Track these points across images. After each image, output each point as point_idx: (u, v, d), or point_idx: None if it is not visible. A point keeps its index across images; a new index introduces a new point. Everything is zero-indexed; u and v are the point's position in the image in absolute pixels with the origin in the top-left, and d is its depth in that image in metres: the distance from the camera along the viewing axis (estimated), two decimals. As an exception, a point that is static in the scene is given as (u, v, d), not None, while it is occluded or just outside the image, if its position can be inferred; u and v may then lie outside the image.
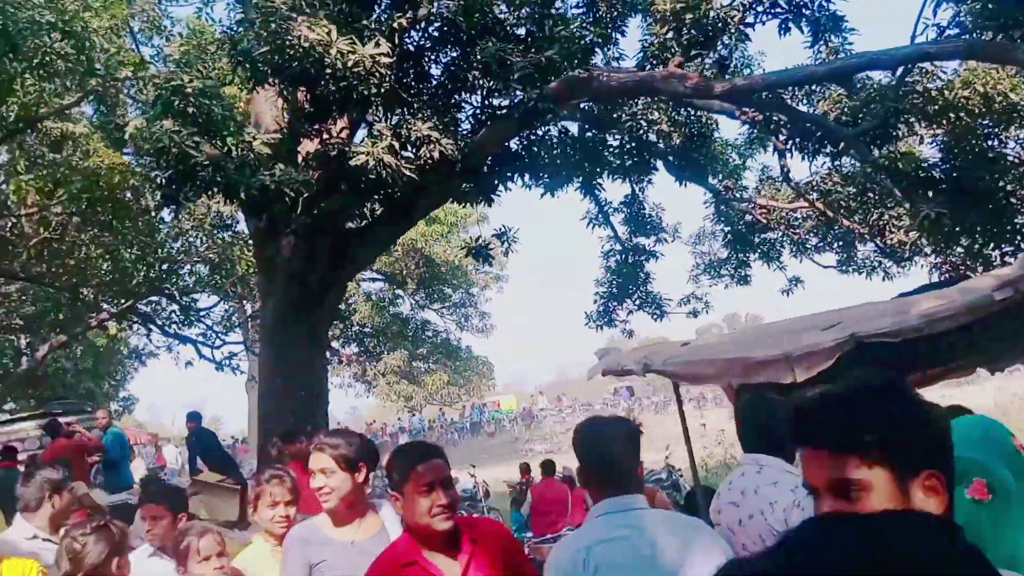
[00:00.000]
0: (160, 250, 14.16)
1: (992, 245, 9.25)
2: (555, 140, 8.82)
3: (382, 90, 7.25)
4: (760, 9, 7.57)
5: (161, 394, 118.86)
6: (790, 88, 9.15)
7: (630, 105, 8.57)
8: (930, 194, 8.18)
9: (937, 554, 0.76)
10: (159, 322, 16.70)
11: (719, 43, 8.22)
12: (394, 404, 33.75)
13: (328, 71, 7.12)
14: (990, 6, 6.62)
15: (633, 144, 8.65)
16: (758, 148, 12.46)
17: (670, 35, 7.60)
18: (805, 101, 9.55)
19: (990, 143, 9.51)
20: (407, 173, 7.51)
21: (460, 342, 31.43)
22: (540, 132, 8.87)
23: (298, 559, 2.95)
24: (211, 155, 7.28)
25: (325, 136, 8.49)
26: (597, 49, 8.32)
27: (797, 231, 13.18)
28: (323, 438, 3.05)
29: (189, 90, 6.86)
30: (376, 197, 9.24)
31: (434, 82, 8.25)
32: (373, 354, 29.77)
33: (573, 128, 9.52)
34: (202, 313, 17.05)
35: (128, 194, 11.62)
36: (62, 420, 11.22)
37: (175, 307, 16.16)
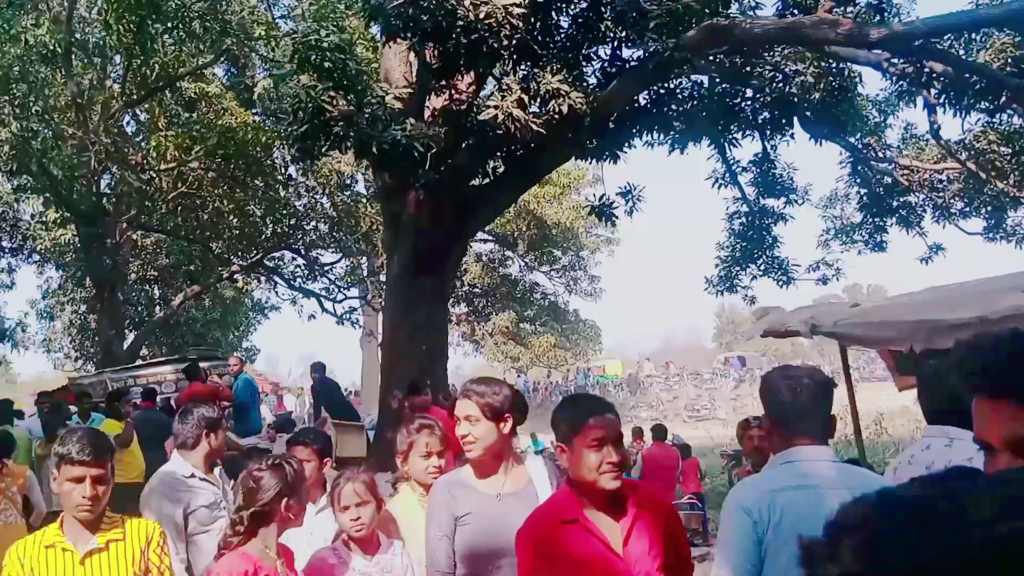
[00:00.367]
0: (287, 206, 14.64)
1: None
2: (687, 93, 8.45)
3: (513, 42, 7.10)
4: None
5: (278, 346, 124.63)
6: (946, 37, 8.42)
7: (771, 55, 8.08)
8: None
9: None
10: (286, 276, 17.34)
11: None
12: (500, 365, 34.05)
13: (460, 24, 7.04)
14: None
15: (771, 98, 8.16)
16: (902, 104, 11.63)
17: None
18: (963, 50, 8.76)
19: None
20: (535, 128, 7.38)
21: (568, 305, 31.38)
22: (670, 85, 8.53)
23: (443, 511, 2.86)
24: (344, 110, 7.36)
25: (452, 92, 8.46)
26: (736, -5, 7.89)
27: (941, 194, 12.28)
28: (471, 385, 2.95)
29: (325, 44, 6.92)
30: (500, 153, 9.18)
31: (563, 34, 8.02)
32: (482, 314, 30.15)
33: (704, 81, 9.11)
34: (325, 268, 17.59)
35: (259, 151, 11.99)
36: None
37: (300, 261, 16.72)
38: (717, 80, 9.00)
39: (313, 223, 16.48)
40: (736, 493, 2.41)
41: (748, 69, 8.86)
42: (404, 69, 8.92)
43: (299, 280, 17.23)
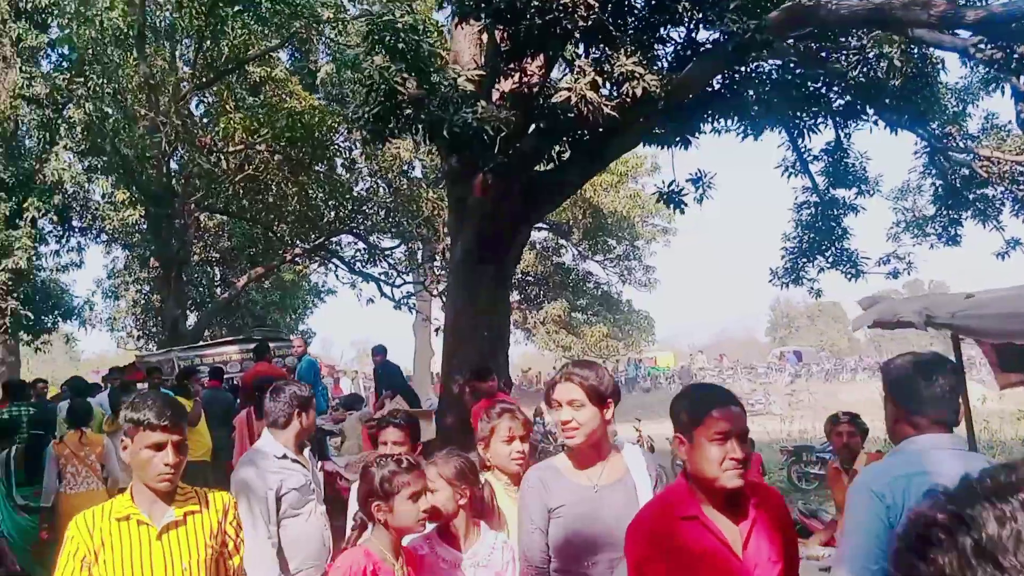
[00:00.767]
0: (349, 191, 14.76)
1: None
2: (764, 77, 8.21)
3: (589, 23, 6.97)
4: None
5: (331, 330, 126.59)
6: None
7: (852, 38, 7.79)
8: None
9: None
10: (346, 260, 17.52)
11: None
12: (552, 354, 33.92)
13: (535, 4, 6.94)
14: None
15: (852, 83, 7.87)
16: (983, 92, 11.17)
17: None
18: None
19: None
20: (608, 111, 7.25)
21: (621, 295, 31.12)
22: (746, 69, 8.30)
23: (536, 504, 2.74)
24: (415, 92, 7.33)
25: (522, 75, 8.36)
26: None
27: (1022, 187, 11.77)
28: (573, 368, 2.78)
29: (400, 25, 6.89)
30: (568, 138, 9.06)
31: (637, 14, 7.86)
32: (534, 302, 30.10)
33: (780, 65, 8.84)
34: (385, 252, 17.72)
35: (325, 135, 12.09)
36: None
37: (361, 246, 16.87)
38: (792, 64, 8.72)
39: (375, 208, 16.60)
40: (867, 478, 2.35)
41: (826, 53, 8.58)
42: (474, 52, 8.86)
43: (359, 264, 17.40)
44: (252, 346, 11.08)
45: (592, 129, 8.38)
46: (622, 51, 7.38)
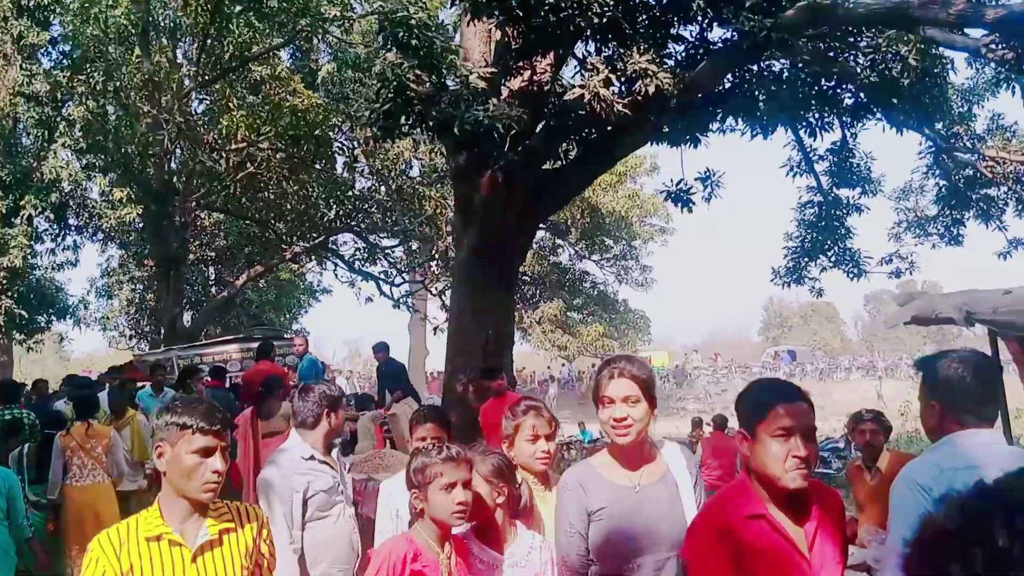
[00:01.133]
0: (349, 189, 14.67)
1: None
2: (775, 76, 8.20)
3: (603, 21, 6.93)
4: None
5: (323, 329, 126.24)
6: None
7: (865, 38, 7.78)
8: None
9: None
10: (346, 258, 17.43)
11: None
12: (547, 353, 33.88)
13: (548, 1, 6.89)
14: None
15: (864, 82, 7.86)
16: (989, 93, 11.20)
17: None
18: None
19: None
20: (620, 109, 7.20)
21: (617, 295, 31.11)
22: (757, 67, 8.28)
23: (575, 507, 2.63)
24: (426, 90, 7.28)
25: (532, 72, 8.31)
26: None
27: (1025, 188, 11.80)
28: (621, 364, 2.67)
29: (413, 21, 6.84)
30: (576, 137, 9.01)
31: (650, 12, 7.82)
32: (530, 302, 30.03)
33: (790, 64, 8.82)
34: (386, 251, 17.64)
35: (330, 133, 12.02)
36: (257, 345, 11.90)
37: (361, 244, 16.78)
38: (802, 64, 8.71)
39: (374, 206, 16.51)
40: (911, 472, 2.31)
41: (835, 53, 8.57)
42: (483, 49, 8.81)
43: (358, 263, 17.30)
44: (252, 345, 10.98)
45: (602, 127, 8.35)
46: (634, 49, 7.34)
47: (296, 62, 15.31)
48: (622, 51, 7.51)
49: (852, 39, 7.83)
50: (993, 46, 7.94)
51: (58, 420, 6.74)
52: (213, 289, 23.17)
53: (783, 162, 11.22)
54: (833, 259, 12.27)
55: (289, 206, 14.70)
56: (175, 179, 14.45)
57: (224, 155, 13.94)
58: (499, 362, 9.57)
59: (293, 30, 12.01)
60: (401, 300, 17.24)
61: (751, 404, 2.26)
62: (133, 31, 11.02)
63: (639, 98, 7.31)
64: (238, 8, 10.04)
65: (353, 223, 15.51)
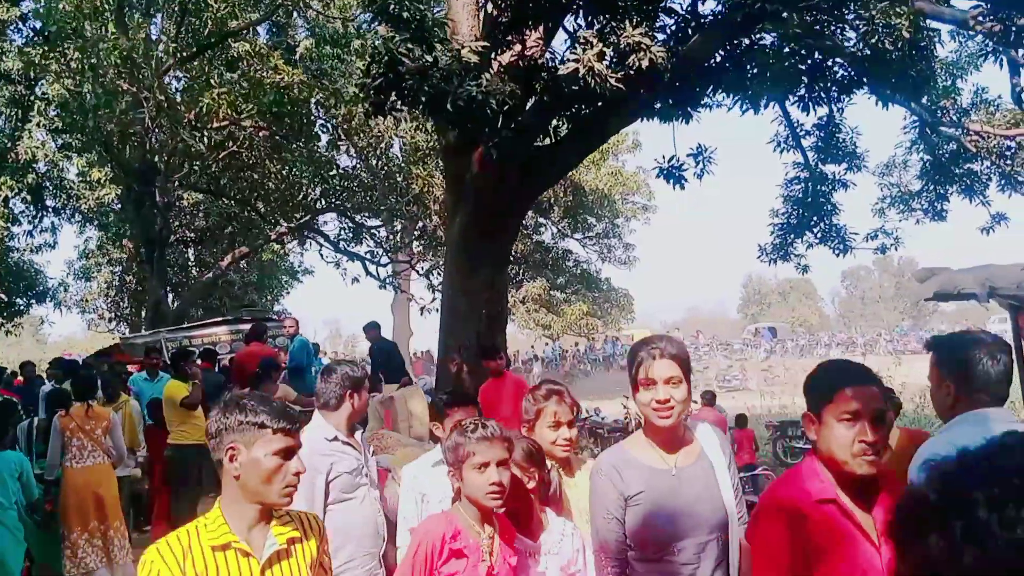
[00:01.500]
0: (334, 167, 14.51)
1: None
2: (766, 49, 8.15)
3: (595, -7, 6.86)
4: None
5: (305, 310, 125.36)
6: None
7: (863, 8, 7.73)
8: None
9: None
10: (332, 238, 17.27)
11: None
12: (532, 332, 33.94)
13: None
14: None
15: (858, 55, 7.83)
16: (974, 66, 11.26)
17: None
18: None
19: None
20: (613, 83, 7.14)
21: (600, 273, 31.17)
22: (748, 40, 8.24)
23: (611, 493, 2.55)
24: (417, 65, 7.17)
25: (522, 46, 8.23)
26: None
27: (1009, 162, 11.90)
28: (660, 344, 2.56)
29: (404, -7, 6.72)
30: (568, 112, 8.94)
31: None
32: (514, 281, 30.01)
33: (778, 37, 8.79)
34: (371, 231, 17.50)
35: (312, 110, 11.85)
36: (247, 327, 11.79)
37: (346, 223, 16.62)
38: (793, 37, 8.68)
39: (359, 185, 16.35)
40: (932, 448, 2.30)
41: (826, 25, 8.54)
42: (472, 23, 8.69)
43: (343, 243, 17.15)
44: (242, 327, 10.87)
45: (593, 102, 8.28)
46: (626, 21, 7.27)
47: (273, 38, 15.07)
48: (613, 24, 7.45)
49: (842, 11, 7.80)
50: (981, 18, 7.98)
51: (63, 398, 6.68)
52: (194, 271, 22.90)
53: (770, 138, 11.23)
54: (819, 235, 12.32)
55: (272, 185, 14.52)
56: (156, 158, 14.21)
57: (206, 134, 13.73)
58: (494, 341, 9.57)
59: (272, 3, 11.79)
60: (387, 280, 17.15)
61: (819, 386, 2.19)
62: (108, 7, 10.77)
63: (632, 72, 7.26)
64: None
65: (337, 202, 15.37)
